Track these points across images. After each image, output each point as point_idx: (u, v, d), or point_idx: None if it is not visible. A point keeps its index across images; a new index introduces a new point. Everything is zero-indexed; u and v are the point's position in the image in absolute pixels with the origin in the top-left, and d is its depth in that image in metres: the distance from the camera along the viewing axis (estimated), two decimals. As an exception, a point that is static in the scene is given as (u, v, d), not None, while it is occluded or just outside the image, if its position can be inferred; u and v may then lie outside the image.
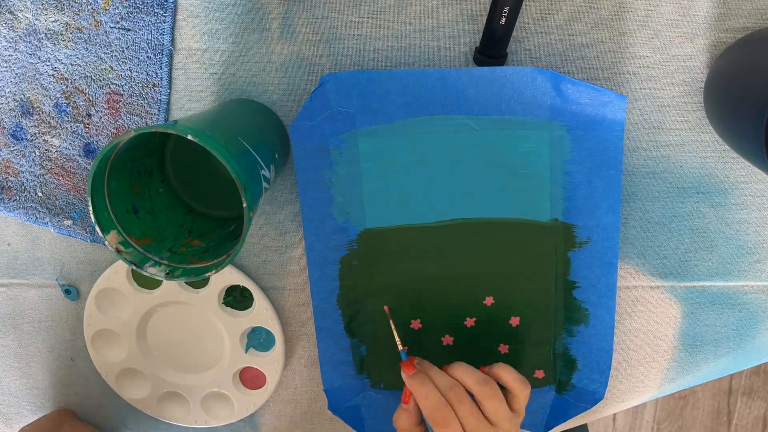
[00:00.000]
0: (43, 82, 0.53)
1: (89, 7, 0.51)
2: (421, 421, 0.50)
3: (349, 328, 0.55)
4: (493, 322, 0.55)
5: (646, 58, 0.50)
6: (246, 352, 0.58)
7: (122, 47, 0.52)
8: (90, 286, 0.59)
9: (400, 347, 0.51)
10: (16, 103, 0.54)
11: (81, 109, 0.53)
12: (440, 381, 0.48)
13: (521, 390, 0.48)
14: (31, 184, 0.56)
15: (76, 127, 0.54)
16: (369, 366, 0.56)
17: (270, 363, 0.58)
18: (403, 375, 0.49)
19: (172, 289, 0.57)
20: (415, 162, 0.51)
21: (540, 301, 0.54)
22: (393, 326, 0.52)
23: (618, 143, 0.50)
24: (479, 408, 0.47)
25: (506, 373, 0.49)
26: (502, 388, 0.49)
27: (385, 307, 0.53)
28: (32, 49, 0.53)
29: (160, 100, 0.53)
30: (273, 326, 0.57)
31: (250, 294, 0.57)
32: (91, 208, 0.43)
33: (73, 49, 0.52)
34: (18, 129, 0.54)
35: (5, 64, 0.53)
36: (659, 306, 0.56)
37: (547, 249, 0.52)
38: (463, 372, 0.48)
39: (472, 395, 0.47)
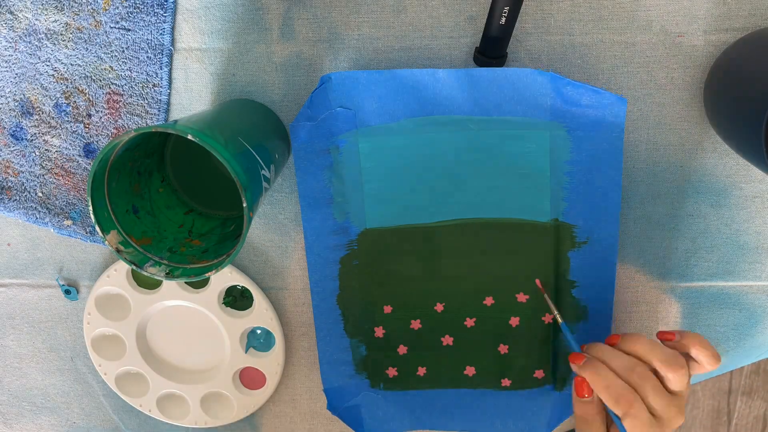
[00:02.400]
0: (43, 82, 0.53)
1: (89, 7, 0.51)
2: (602, 408, 0.47)
3: (348, 328, 0.55)
4: (493, 322, 0.55)
5: (646, 58, 0.50)
6: (246, 353, 0.58)
7: (122, 47, 0.52)
8: (90, 286, 0.59)
9: (560, 319, 0.49)
10: (16, 103, 0.54)
11: (81, 109, 0.53)
12: (617, 363, 0.44)
13: (711, 363, 0.46)
14: (31, 184, 0.56)
15: (76, 127, 0.54)
16: (368, 366, 0.56)
17: (270, 363, 0.58)
18: (573, 367, 0.46)
19: (172, 289, 0.57)
20: (415, 162, 0.51)
21: (539, 301, 0.54)
22: (548, 299, 0.51)
23: (618, 144, 0.50)
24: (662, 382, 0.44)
25: (701, 348, 0.46)
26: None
27: (537, 281, 0.52)
28: (32, 49, 0.53)
29: (160, 100, 0.53)
30: (273, 326, 0.57)
31: (250, 294, 0.57)
32: (91, 208, 0.43)
33: (73, 49, 0.52)
34: (18, 129, 0.54)
35: (5, 64, 0.53)
36: (659, 306, 0.56)
37: (547, 249, 0.52)
38: (649, 349, 0.45)
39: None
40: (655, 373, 0.45)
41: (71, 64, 0.53)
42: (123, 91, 0.53)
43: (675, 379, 0.44)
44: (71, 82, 0.53)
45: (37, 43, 0.52)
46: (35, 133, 0.54)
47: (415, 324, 0.55)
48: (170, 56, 0.52)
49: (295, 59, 0.52)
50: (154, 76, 0.52)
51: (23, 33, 0.52)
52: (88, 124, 0.54)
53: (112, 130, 0.54)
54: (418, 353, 0.56)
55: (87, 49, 0.52)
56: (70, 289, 0.59)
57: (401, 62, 0.52)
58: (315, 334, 0.56)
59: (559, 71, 0.51)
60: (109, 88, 0.53)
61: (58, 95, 0.53)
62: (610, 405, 0.44)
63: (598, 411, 0.46)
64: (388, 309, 0.55)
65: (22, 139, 0.55)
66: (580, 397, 0.46)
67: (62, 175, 0.55)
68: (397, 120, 0.50)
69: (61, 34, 0.52)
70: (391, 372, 0.56)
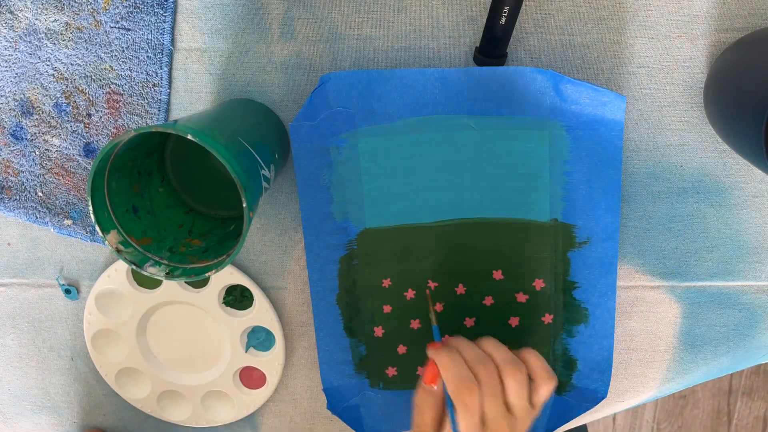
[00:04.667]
0: (43, 82, 0.53)
1: (89, 7, 0.51)
2: (441, 403, 0.46)
3: (348, 328, 0.55)
4: (492, 322, 0.55)
5: (646, 58, 0.50)
6: (246, 352, 0.58)
7: (122, 47, 0.52)
8: (90, 286, 0.59)
9: (435, 322, 0.49)
10: (16, 103, 0.54)
11: (81, 109, 0.53)
12: (469, 353, 0.45)
13: (546, 382, 0.45)
14: (31, 183, 0.56)
15: (76, 126, 0.54)
16: (368, 366, 0.56)
17: (270, 363, 0.58)
18: (429, 351, 0.46)
19: (172, 289, 0.57)
20: (415, 162, 0.51)
21: (539, 301, 0.54)
22: (431, 307, 0.51)
23: (617, 143, 0.50)
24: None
25: (535, 360, 0.45)
26: None
27: (427, 291, 0.53)
28: (32, 49, 0.53)
29: (160, 99, 0.53)
30: (273, 326, 0.57)
31: (250, 294, 0.57)
32: (91, 208, 0.43)
33: (73, 49, 0.52)
34: (18, 129, 0.54)
35: (5, 64, 0.53)
36: (659, 306, 0.56)
37: (547, 249, 0.52)
38: (494, 347, 0.45)
39: None
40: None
41: (71, 64, 0.53)
42: (123, 90, 0.53)
43: (512, 387, 0.44)
44: (71, 82, 0.53)
45: (37, 42, 0.52)
46: (35, 133, 0.54)
47: (415, 324, 0.55)
48: (170, 56, 0.52)
49: (295, 59, 0.52)
50: (154, 75, 0.52)
51: (23, 33, 0.52)
52: (88, 123, 0.54)
53: (112, 130, 0.54)
54: (417, 353, 0.56)
55: (87, 48, 0.52)
56: (71, 289, 0.59)
57: (401, 62, 0.52)
58: (315, 333, 0.56)
59: (559, 71, 0.51)
60: (109, 87, 0.53)
61: (58, 95, 0.53)
62: (451, 389, 0.43)
63: (437, 404, 0.46)
64: (387, 309, 0.55)
65: (22, 139, 0.55)
66: (426, 385, 0.46)
67: (62, 175, 0.55)
68: (396, 120, 0.50)
69: (61, 34, 0.52)
70: (391, 372, 0.56)
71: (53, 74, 0.53)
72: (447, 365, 0.44)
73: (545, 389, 0.45)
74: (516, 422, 0.44)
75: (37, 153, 0.55)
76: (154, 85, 0.52)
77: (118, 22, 0.51)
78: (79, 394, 0.64)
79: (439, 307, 0.54)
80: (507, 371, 0.44)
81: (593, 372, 0.55)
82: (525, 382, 0.44)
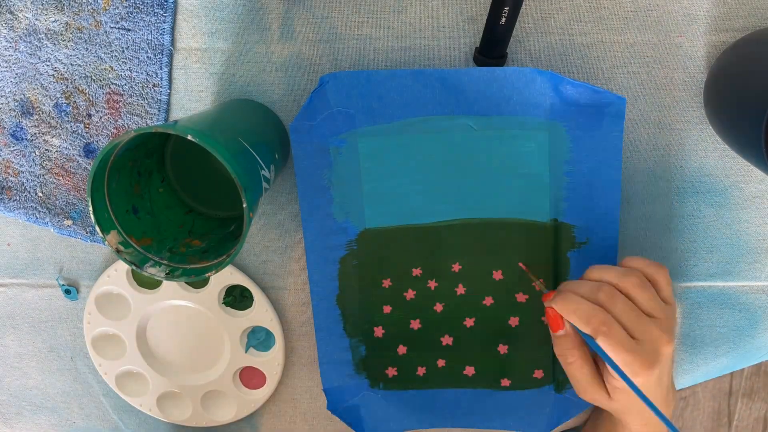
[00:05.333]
0: (43, 82, 0.53)
1: (89, 7, 0.51)
2: (582, 343, 0.46)
3: (348, 328, 0.55)
4: (492, 322, 0.55)
5: (646, 58, 0.50)
6: (246, 352, 0.58)
7: (122, 47, 0.52)
8: (90, 286, 0.59)
9: (544, 289, 0.50)
10: (16, 103, 0.54)
11: (81, 109, 0.53)
12: (583, 289, 0.45)
13: (658, 272, 0.45)
14: (31, 184, 0.56)
15: (76, 127, 0.54)
16: (368, 366, 0.56)
17: (270, 363, 0.58)
18: (546, 303, 0.46)
19: (172, 289, 0.57)
20: (415, 162, 0.51)
21: (539, 301, 0.54)
22: (531, 275, 0.51)
23: (617, 144, 0.50)
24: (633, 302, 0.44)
25: (636, 261, 0.46)
26: None
27: (520, 264, 0.52)
28: (32, 49, 0.53)
29: (160, 100, 0.53)
30: (273, 326, 0.57)
31: (250, 294, 0.57)
32: (91, 208, 0.43)
33: (73, 49, 0.52)
34: (18, 129, 0.55)
35: (5, 64, 0.53)
36: (659, 306, 0.56)
37: (547, 249, 0.52)
38: (602, 271, 0.45)
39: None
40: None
41: (71, 64, 0.53)
42: (123, 91, 0.53)
43: (637, 295, 0.44)
44: (71, 82, 0.53)
45: (37, 43, 0.52)
46: (35, 133, 0.54)
47: (415, 324, 0.55)
48: (170, 56, 0.52)
49: (295, 59, 0.52)
50: (154, 76, 0.52)
51: (23, 33, 0.52)
52: (88, 124, 0.54)
53: (112, 130, 0.54)
54: (417, 353, 0.56)
55: (87, 49, 0.52)
56: (70, 289, 0.59)
57: (401, 62, 0.52)
58: (315, 333, 0.56)
59: (559, 71, 0.51)
60: (109, 88, 0.53)
61: (58, 95, 0.53)
62: (581, 326, 0.43)
63: (576, 345, 0.46)
64: (387, 309, 0.55)
65: (22, 139, 0.55)
66: (554, 332, 0.46)
67: (62, 175, 0.55)
68: (396, 120, 0.50)
69: (61, 34, 0.52)
70: (391, 372, 0.56)
71: (53, 74, 0.53)
72: (565, 308, 0.44)
73: (662, 279, 0.45)
74: (661, 322, 0.44)
75: (37, 153, 0.55)
76: (154, 85, 0.52)
77: (118, 22, 0.51)
78: (78, 394, 0.64)
79: (438, 307, 0.54)
80: (623, 284, 0.44)
81: (593, 372, 0.55)
82: (645, 284, 0.44)
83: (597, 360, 0.47)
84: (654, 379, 0.43)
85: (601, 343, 0.43)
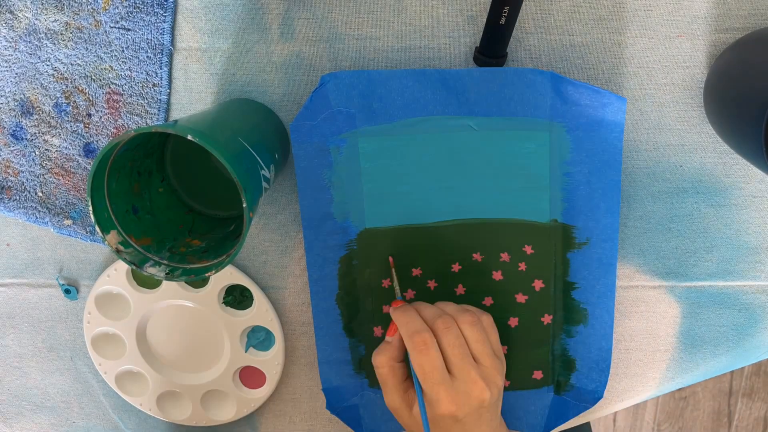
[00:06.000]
0: (43, 82, 0.53)
1: (89, 7, 0.51)
2: (403, 358, 0.48)
3: (348, 328, 0.55)
4: (492, 322, 0.55)
5: (646, 58, 0.50)
6: (246, 352, 0.58)
7: (122, 47, 0.52)
8: (90, 286, 0.59)
9: (398, 294, 0.51)
10: (16, 103, 0.54)
11: (81, 109, 0.53)
12: (426, 311, 0.47)
13: (481, 318, 0.47)
14: (31, 183, 0.56)
15: (76, 126, 0.54)
16: (367, 366, 0.56)
17: (270, 362, 0.58)
18: (390, 310, 0.48)
19: (172, 289, 0.57)
20: (415, 162, 0.51)
21: (538, 302, 0.54)
22: (394, 275, 0.52)
23: (617, 144, 0.50)
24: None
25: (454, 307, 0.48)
26: None
27: (390, 258, 0.53)
28: (32, 49, 0.53)
29: (160, 99, 0.53)
30: (273, 326, 0.57)
31: (250, 294, 0.57)
32: (91, 208, 0.43)
33: (73, 49, 0.52)
34: (18, 129, 0.55)
35: (5, 64, 0.53)
36: (659, 306, 0.56)
37: (547, 250, 0.52)
38: (449, 304, 0.48)
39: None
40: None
41: (71, 64, 0.53)
42: (123, 90, 0.53)
43: (469, 332, 0.45)
44: (71, 82, 0.53)
45: (37, 42, 0.52)
46: (35, 133, 0.54)
47: (415, 324, 0.55)
48: (170, 56, 0.52)
49: (295, 59, 0.52)
50: (154, 75, 0.52)
51: (23, 33, 0.52)
52: (88, 123, 0.54)
53: (112, 130, 0.54)
54: (417, 353, 0.56)
55: (87, 48, 0.52)
56: (70, 289, 0.59)
57: (401, 62, 0.52)
58: (314, 333, 0.56)
59: (559, 71, 0.51)
60: (109, 87, 0.53)
61: (58, 95, 0.53)
62: (406, 339, 0.45)
63: (395, 357, 0.47)
64: (387, 309, 0.55)
65: (22, 139, 0.55)
66: (386, 337, 0.49)
67: (62, 175, 0.55)
68: (396, 120, 0.50)
69: (61, 34, 0.52)
70: (391, 372, 0.56)
71: (53, 74, 0.53)
72: (401, 318, 0.47)
73: (490, 326, 0.48)
74: (484, 369, 0.46)
75: (37, 153, 0.55)
76: (154, 85, 0.52)
77: (117, 22, 0.51)
78: (78, 394, 0.64)
79: (438, 307, 0.55)
80: (460, 319, 0.46)
81: (592, 372, 0.55)
82: (480, 326, 0.46)
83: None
84: (457, 420, 0.45)
85: (414, 358, 0.45)
